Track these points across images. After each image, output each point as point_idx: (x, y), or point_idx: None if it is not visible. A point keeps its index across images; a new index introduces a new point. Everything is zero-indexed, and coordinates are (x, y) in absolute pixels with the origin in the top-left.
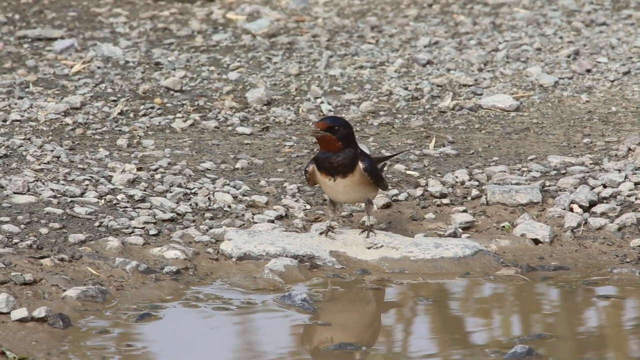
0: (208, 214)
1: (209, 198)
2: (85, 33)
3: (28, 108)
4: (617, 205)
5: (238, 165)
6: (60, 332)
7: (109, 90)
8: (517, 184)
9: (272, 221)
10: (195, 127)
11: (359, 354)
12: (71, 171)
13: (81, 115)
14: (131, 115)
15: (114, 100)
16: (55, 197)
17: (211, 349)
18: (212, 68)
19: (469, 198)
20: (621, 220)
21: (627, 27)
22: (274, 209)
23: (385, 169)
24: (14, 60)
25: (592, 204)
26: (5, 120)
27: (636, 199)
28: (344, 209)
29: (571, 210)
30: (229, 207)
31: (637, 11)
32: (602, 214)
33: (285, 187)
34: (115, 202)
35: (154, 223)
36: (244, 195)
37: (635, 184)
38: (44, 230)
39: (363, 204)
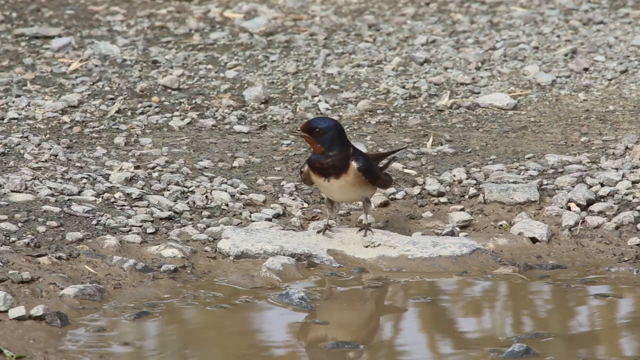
0: (205, 213)
1: (206, 196)
2: (82, 31)
3: (25, 106)
4: (614, 203)
5: (235, 163)
6: (58, 331)
7: (107, 88)
8: (515, 182)
9: (270, 219)
10: (192, 126)
11: (356, 353)
12: (69, 169)
13: (79, 113)
14: (129, 113)
15: (111, 99)
16: (52, 195)
17: (208, 348)
18: (210, 66)
19: (466, 197)
20: (619, 218)
21: (624, 26)
22: (271, 208)
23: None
24: (12, 58)
25: (590, 202)
26: (2, 119)
27: (634, 198)
28: (341, 208)
29: (569, 208)
30: (227, 205)
31: (635, 10)
32: (600, 213)
33: (282, 185)
34: (112, 200)
35: (152, 221)
36: (241, 193)
37: (633, 182)
38: (41, 229)
39: (361, 203)
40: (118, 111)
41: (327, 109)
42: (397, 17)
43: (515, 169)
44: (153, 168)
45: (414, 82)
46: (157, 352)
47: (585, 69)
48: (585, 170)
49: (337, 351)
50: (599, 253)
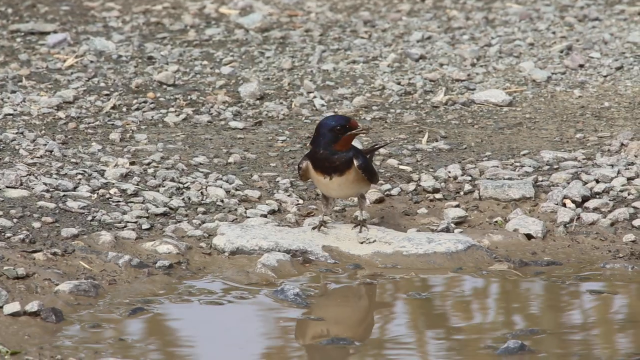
0: (201, 209)
1: (201, 192)
2: (78, 27)
3: (21, 102)
4: (609, 200)
5: (231, 159)
6: (53, 327)
7: (102, 84)
8: (510, 179)
9: (265, 216)
10: (188, 122)
11: (351, 349)
12: (64, 165)
13: (74, 109)
14: (124, 109)
15: (106, 95)
16: (48, 191)
17: (203, 344)
18: (205, 62)
19: (461, 193)
20: (614, 215)
21: (620, 23)
22: (266, 204)
23: (377, 163)
24: (7, 54)
25: (585, 199)
26: None
27: (629, 194)
28: (336, 204)
29: (564, 205)
30: (222, 201)
31: (630, 6)
32: (595, 209)
33: (278, 181)
34: (108, 196)
35: (147, 217)
36: (236, 189)
37: (628, 179)
38: (36, 225)
39: (356, 199)
40: (113, 107)
41: (323, 105)
42: (392, 14)
43: (511, 165)
44: (148, 164)
45: (410, 79)
46: (152, 348)
47: (581, 66)
48: (580, 167)
49: (333, 347)
50: (594, 249)
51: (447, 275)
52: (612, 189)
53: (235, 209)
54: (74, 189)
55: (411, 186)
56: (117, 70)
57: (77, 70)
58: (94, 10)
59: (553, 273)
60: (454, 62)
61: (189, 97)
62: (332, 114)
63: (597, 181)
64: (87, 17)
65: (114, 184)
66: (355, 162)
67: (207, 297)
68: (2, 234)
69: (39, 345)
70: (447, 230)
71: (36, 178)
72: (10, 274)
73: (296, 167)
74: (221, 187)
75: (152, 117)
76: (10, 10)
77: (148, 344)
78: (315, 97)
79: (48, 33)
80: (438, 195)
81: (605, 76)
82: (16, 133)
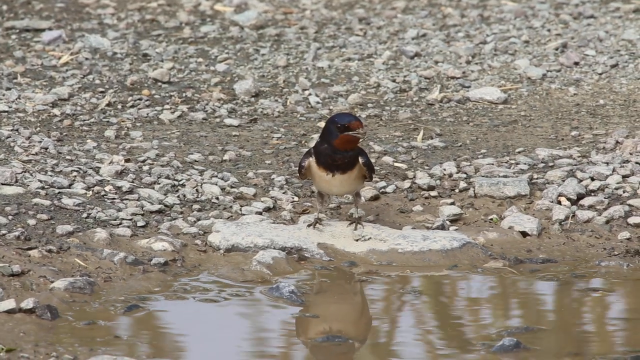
0: (196, 206)
1: (196, 190)
2: (73, 24)
3: (16, 99)
4: (604, 198)
5: (226, 157)
6: (48, 324)
7: (97, 81)
8: (505, 176)
9: (260, 213)
10: (183, 119)
11: (346, 346)
12: (59, 162)
13: (69, 106)
14: (119, 106)
15: (101, 92)
16: (43, 188)
17: (198, 341)
18: (200, 60)
19: (456, 190)
20: (609, 213)
21: (615, 20)
22: (261, 201)
23: (373, 161)
24: (2, 51)
25: (580, 196)
26: None
27: (624, 192)
28: (331, 201)
29: (559, 203)
30: (217, 198)
31: (625, 4)
32: (590, 207)
33: (273, 179)
34: (103, 193)
35: (142, 215)
36: (231, 187)
37: (623, 176)
38: (31, 222)
39: (351, 196)
40: (108, 104)
41: (318, 103)
42: (387, 11)
43: (506, 162)
44: (143, 161)
45: (405, 76)
46: (147, 345)
47: (576, 63)
48: (575, 165)
49: (328, 344)
50: (589, 247)
51: (442, 272)
52: (607, 187)
53: (231, 207)
54: (69, 186)
55: (406, 184)
56: (112, 67)
57: (72, 68)
58: (89, 7)
59: (548, 271)
60: (449, 59)
61: (184, 95)
62: (347, 111)
63: (592, 179)
64: (82, 14)
65: (109, 181)
66: (361, 160)
67: (203, 295)
68: None
69: (35, 342)
70: (442, 227)
71: (31, 175)
72: (5, 271)
73: (299, 165)
74: (216, 185)
75: (147, 114)
76: (5, 7)
77: (143, 341)
78: (310, 94)
79: (43, 30)
80: (433, 193)
81: (601, 74)
82: (11, 130)
